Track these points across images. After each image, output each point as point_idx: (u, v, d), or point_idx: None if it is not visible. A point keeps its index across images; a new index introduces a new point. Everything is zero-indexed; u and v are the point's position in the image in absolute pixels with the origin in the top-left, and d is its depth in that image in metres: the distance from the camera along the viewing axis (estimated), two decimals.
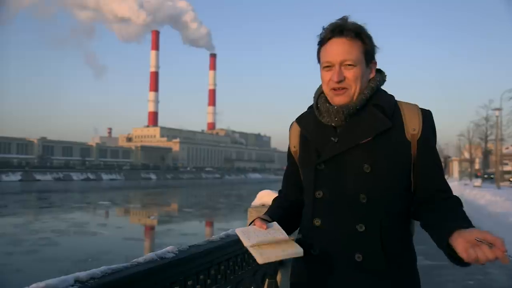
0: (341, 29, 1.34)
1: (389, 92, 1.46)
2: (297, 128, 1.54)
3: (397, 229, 1.35)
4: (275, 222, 1.37)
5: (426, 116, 1.38)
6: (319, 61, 1.42)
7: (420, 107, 1.41)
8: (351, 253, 1.31)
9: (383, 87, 1.46)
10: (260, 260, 1.22)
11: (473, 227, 1.20)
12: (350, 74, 1.34)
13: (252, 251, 1.25)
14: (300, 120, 1.52)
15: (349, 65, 1.34)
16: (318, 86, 1.49)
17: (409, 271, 1.37)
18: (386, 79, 1.46)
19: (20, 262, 11.00)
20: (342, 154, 1.36)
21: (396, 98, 1.45)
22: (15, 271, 10.04)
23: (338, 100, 1.37)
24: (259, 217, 1.41)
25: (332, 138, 1.38)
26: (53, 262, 10.83)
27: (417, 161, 1.35)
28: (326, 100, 1.42)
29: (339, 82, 1.34)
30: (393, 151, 1.34)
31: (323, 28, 1.38)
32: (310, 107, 1.51)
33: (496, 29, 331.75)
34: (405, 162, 1.35)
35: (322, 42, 1.39)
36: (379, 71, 1.46)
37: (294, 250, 1.27)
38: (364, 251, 1.30)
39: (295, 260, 1.47)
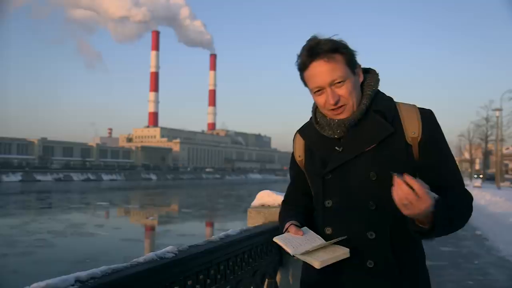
0: (317, 51, 1.31)
1: (390, 92, 1.46)
2: (301, 139, 1.54)
3: (406, 232, 1.34)
4: (306, 228, 1.40)
5: (425, 117, 1.37)
6: (305, 85, 1.40)
7: (419, 107, 1.40)
8: (363, 260, 1.32)
9: (381, 88, 1.45)
10: (317, 265, 1.24)
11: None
12: (342, 91, 1.33)
13: (304, 258, 1.27)
14: (302, 131, 1.53)
15: (339, 82, 1.31)
16: (313, 104, 1.48)
17: (419, 271, 1.38)
18: (381, 78, 1.44)
19: (18, 263, 10.94)
20: (348, 162, 1.36)
21: (396, 99, 1.44)
22: (12, 272, 9.98)
23: (340, 117, 1.36)
24: (292, 223, 1.42)
25: (337, 148, 1.39)
26: (51, 263, 10.79)
27: (420, 163, 1.35)
28: (325, 114, 1.41)
29: (336, 103, 1.33)
30: (397, 155, 1.34)
31: (298, 55, 1.36)
32: (312, 118, 1.50)
33: (497, 29, 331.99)
34: (408, 165, 1.34)
35: (302, 68, 1.36)
36: (369, 72, 1.45)
37: (343, 251, 1.30)
38: (375, 258, 1.32)
39: (305, 266, 1.48)
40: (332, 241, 1.32)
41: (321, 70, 1.31)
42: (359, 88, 1.39)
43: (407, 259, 1.34)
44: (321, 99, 1.35)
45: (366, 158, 1.34)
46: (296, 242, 1.31)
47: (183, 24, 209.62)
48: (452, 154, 1.42)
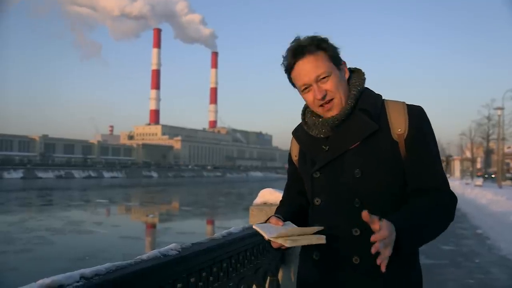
0: (301, 50, 1.36)
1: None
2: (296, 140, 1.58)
3: None
4: (289, 222, 1.41)
5: (413, 114, 1.37)
6: (294, 86, 1.44)
7: (408, 103, 1.40)
8: (349, 257, 1.35)
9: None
10: (288, 243, 1.25)
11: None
12: (329, 85, 1.36)
13: (276, 240, 1.27)
14: (295, 131, 1.56)
15: (324, 77, 1.35)
16: (304, 105, 1.51)
17: (409, 267, 1.38)
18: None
19: (18, 260, 10.92)
20: (334, 161, 1.39)
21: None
22: (12, 270, 9.96)
23: (330, 114, 1.39)
24: (274, 215, 1.45)
25: (323, 147, 1.42)
26: (51, 260, 10.78)
27: (405, 160, 1.36)
28: (313, 114, 1.46)
29: (323, 97, 1.36)
30: (382, 153, 1.35)
31: (284, 57, 1.40)
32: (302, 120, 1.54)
33: (499, 28, 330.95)
34: (395, 162, 1.35)
35: (289, 69, 1.40)
36: (354, 72, 1.47)
37: (317, 237, 1.31)
38: (360, 254, 1.33)
39: (300, 264, 1.50)
40: (309, 228, 1.32)
41: (306, 68, 1.36)
42: (345, 84, 1.41)
43: (394, 256, 1.31)
44: (309, 96, 1.40)
45: (351, 156, 1.36)
46: (273, 229, 1.33)
47: (181, 20, 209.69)
48: (438, 153, 1.40)
